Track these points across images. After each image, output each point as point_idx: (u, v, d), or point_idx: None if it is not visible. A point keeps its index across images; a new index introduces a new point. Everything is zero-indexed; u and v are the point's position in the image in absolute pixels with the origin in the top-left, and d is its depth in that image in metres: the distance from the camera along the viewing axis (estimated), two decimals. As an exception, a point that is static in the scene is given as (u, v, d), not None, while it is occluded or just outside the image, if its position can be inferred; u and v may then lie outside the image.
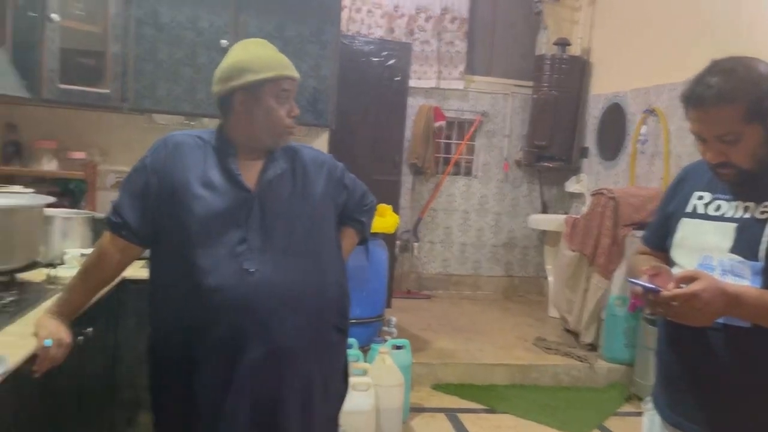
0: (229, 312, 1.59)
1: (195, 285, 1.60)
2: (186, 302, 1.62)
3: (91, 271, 1.73)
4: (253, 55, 1.68)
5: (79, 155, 2.93)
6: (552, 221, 5.14)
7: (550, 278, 5.04)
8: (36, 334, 1.67)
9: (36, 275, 2.23)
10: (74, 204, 2.83)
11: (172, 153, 1.66)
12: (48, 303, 1.98)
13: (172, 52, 2.68)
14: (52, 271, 2.20)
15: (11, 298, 1.92)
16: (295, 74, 1.70)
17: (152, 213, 1.64)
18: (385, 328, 3.42)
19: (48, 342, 1.64)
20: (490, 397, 3.67)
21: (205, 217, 1.61)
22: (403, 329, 3.93)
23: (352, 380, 2.01)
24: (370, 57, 4.49)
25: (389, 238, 4.01)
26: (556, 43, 5.29)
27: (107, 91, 2.62)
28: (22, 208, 2.07)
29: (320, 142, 3.20)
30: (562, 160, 5.37)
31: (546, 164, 5.41)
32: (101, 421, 2.50)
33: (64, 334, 1.69)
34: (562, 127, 5.30)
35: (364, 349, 3.15)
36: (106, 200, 3.00)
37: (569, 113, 5.30)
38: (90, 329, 1.95)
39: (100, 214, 2.78)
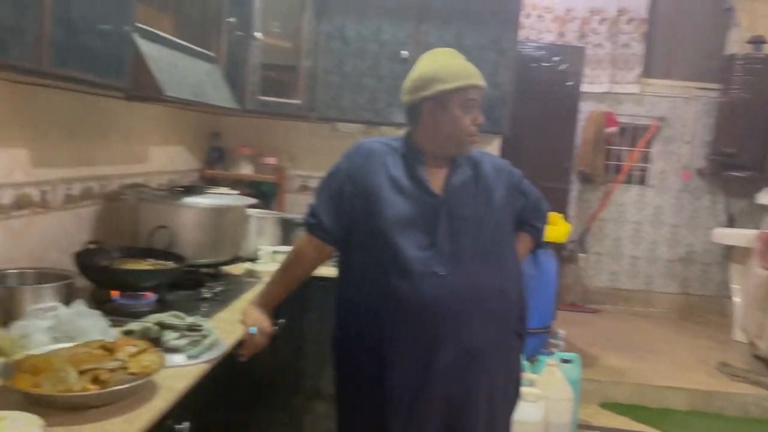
0: (421, 314, 1.66)
1: (386, 287, 1.68)
2: (376, 302, 1.71)
3: (289, 267, 1.88)
4: (442, 65, 1.74)
5: (271, 160, 3.21)
6: (741, 236, 4.67)
7: (737, 298, 4.58)
8: (243, 322, 1.86)
9: (236, 269, 2.49)
10: (266, 205, 3.10)
11: (365, 159, 1.76)
12: (249, 294, 2.20)
13: (357, 64, 2.85)
14: (250, 266, 2.44)
15: (220, 288, 2.15)
16: (482, 83, 1.73)
17: (346, 215, 1.76)
18: (552, 341, 3.34)
19: (253, 329, 1.82)
20: (665, 421, 3.43)
21: (395, 220, 1.69)
22: (569, 343, 3.80)
23: (522, 389, 1.99)
24: (541, 62, 4.41)
25: (556, 248, 3.90)
26: (750, 42, 4.82)
27: (299, 101, 2.85)
28: (230, 208, 2.32)
29: (491, 149, 3.21)
30: (754, 169, 4.87)
31: (734, 173, 4.94)
32: (285, 406, 2.71)
33: (266, 323, 1.86)
34: (755, 133, 4.82)
35: (531, 359, 3.09)
36: (293, 202, 3.27)
37: (763, 118, 4.79)
38: (282, 320, 2.13)
39: (289, 215, 3.04)
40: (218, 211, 2.26)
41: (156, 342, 1.53)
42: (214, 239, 2.24)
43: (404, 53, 2.82)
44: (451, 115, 1.71)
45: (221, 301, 2.06)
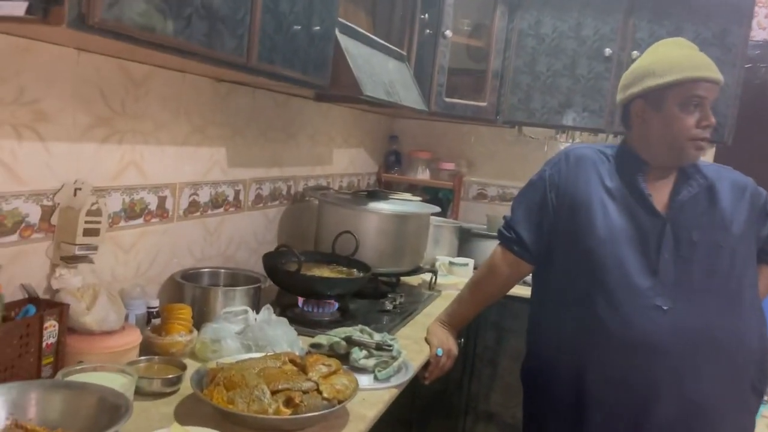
0: (635, 354, 1.40)
1: (592, 318, 1.44)
2: (579, 335, 1.47)
3: (480, 285, 1.70)
4: (661, 57, 1.46)
5: (448, 166, 3.06)
6: None
7: None
8: (428, 342, 1.72)
9: (413, 279, 2.36)
10: (441, 213, 2.95)
11: (573, 167, 1.53)
12: (430, 308, 2.06)
13: (551, 63, 2.59)
14: (430, 277, 2.29)
15: (400, 300, 2.03)
16: (715, 75, 1.42)
17: (547, 230, 1.53)
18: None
19: (439, 351, 1.67)
20: None
21: (608, 241, 1.44)
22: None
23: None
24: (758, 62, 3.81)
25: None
26: None
27: (484, 104, 2.66)
28: (414, 215, 2.19)
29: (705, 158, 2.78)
30: None
31: None
32: (453, 426, 2.54)
33: (453, 345, 1.70)
34: None
35: None
36: (469, 210, 3.09)
37: None
38: (461, 340, 1.96)
39: (467, 224, 2.86)
40: (402, 218, 2.13)
41: (343, 359, 1.42)
42: (397, 247, 2.12)
43: (608, 51, 2.52)
44: (664, 114, 1.43)
45: (401, 314, 1.93)
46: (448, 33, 2.49)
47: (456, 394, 2.50)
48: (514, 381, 1.72)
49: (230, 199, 1.89)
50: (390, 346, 1.47)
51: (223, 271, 1.80)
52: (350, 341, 1.47)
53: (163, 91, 1.54)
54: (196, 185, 1.73)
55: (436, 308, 2.02)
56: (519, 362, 1.68)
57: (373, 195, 2.20)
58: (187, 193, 1.70)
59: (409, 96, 2.11)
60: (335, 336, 1.48)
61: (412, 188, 3.01)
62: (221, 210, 1.85)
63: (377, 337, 1.53)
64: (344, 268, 1.94)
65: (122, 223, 1.48)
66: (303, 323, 1.68)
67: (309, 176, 2.38)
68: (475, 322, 2.47)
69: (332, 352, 1.45)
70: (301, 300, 1.80)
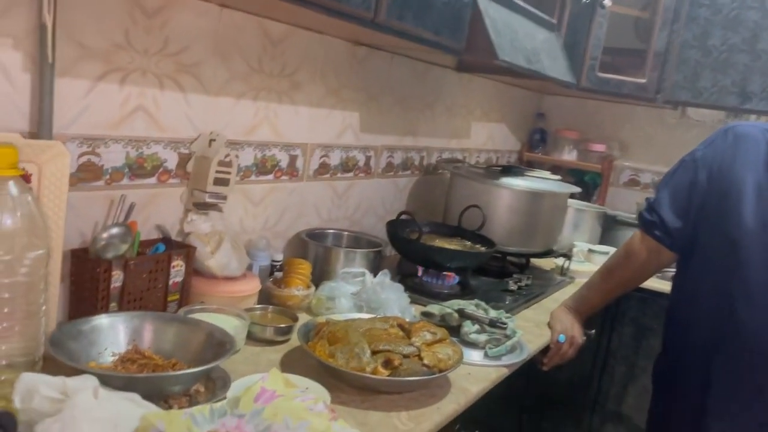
0: None
1: (729, 319, 1.27)
2: (712, 335, 1.31)
3: (614, 270, 1.56)
4: None
5: (598, 147, 2.85)
6: None
7: None
8: (550, 327, 1.62)
9: (545, 263, 2.24)
10: (586, 197, 2.77)
11: (731, 146, 1.32)
12: (559, 294, 1.94)
13: (727, 36, 2.30)
14: (563, 262, 2.16)
15: (526, 282, 1.93)
16: None
17: (694, 216, 1.35)
18: None
19: (562, 338, 1.57)
20: None
21: (757, 232, 1.24)
22: None
23: None
24: None
25: None
26: None
27: (643, 81, 2.42)
28: (549, 194, 2.06)
29: None
30: None
31: None
32: (578, 425, 2.39)
33: (577, 332, 1.59)
34: None
35: None
36: (617, 197, 2.86)
37: None
38: (593, 331, 1.82)
39: (612, 211, 2.66)
40: (536, 196, 2.02)
41: (454, 331, 1.37)
42: (528, 226, 2.01)
43: (798, 22, 2.18)
44: None
45: (526, 296, 1.84)
46: (607, 2, 2.29)
47: (582, 388, 2.35)
48: (651, 384, 1.56)
49: (360, 164, 1.91)
50: (504, 324, 1.40)
51: (346, 233, 1.83)
52: (463, 314, 1.42)
53: (299, 52, 1.58)
54: (327, 147, 1.76)
55: (565, 295, 1.90)
56: (657, 362, 1.53)
57: (508, 170, 2.11)
58: (318, 154, 1.73)
59: (556, 67, 1.98)
60: (448, 307, 1.44)
61: (556, 170, 2.84)
62: (351, 174, 1.88)
63: (493, 313, 1.46)
64: (468, 243, 1.89)
65: (253, 177, 1.54)
66: (420, 292, 1.66)
67: (443, 148, 2.34)
68: (611, 315, 2.30)
69: (443, 322, 1.41)
70: (420, 269, 1.77)
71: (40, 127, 1.05)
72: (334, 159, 1.80)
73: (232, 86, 1.42)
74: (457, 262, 1.71)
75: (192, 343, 1.06)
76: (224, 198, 1.39)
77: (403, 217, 1.82)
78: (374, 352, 1.12)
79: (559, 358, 1.58)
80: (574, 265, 2.17)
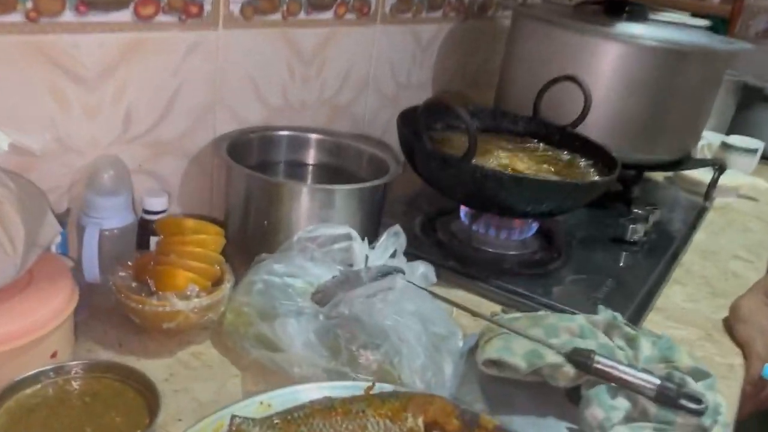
0: None
1: None
2: None
3: None
4: None
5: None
6: None
7: None
8: (740, 339, 0.79)
9: (658, 175, 1.35)
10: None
11: None
12: (698, 239, 1.09)
13: None
14: (711, 175, 1.26)
15: (654, 220, 1.05)
16: None
17: None
18: None
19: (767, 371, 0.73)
20: None
21: None
22: None
23: None
24: None
25: None
26: None
27: None
28: (699, 53, 1.10)
29: None
30: None
31: None
32: None
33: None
34: None
35: None
36: (749, 57, 1.89)
37: None
38: None
39: (754, 80, 1.71)
40: (680, 57, 1.06)
41: (572, 395, 0.53)
42: (658, 115, 1.08)
43: None
44: None
45: (653, 255, 0.97)
46: None
47: None
48: None
49: (346, -6, 0.95)
50: (699, 402, 0.54)
51: (315, 137, 0.92)
52: (580, 364, 0.56)
53: None
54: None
55: (709, 240, 1.05)
56: None
57: (616, 7, 1.14)
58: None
59: None
60: (546, 345, 0.58)
61: (655, 13, 1.86)
62: (329, 15, 0.93)
63: (648, 350, 0.60)
64: (556, 151, 0.98)
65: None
66: (462, 260, 0.81)
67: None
68: None
69: (536, 376, 0.56)
70: (463, 210, 0.90)
71: None
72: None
73: None
74: (551, 203, 0.81)
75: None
76: None
77: (431, 103, 0.88)
78: None
79: (756, 406, 0.77)
80: (728, 179, 1.28)
